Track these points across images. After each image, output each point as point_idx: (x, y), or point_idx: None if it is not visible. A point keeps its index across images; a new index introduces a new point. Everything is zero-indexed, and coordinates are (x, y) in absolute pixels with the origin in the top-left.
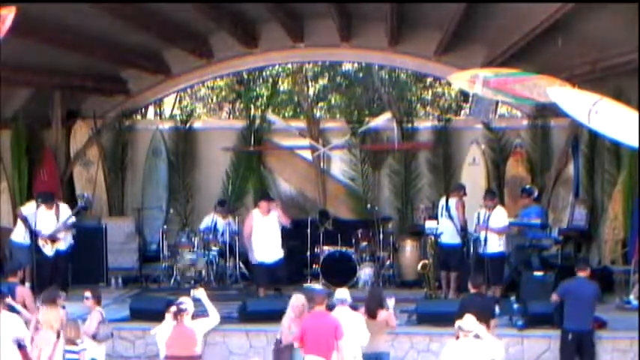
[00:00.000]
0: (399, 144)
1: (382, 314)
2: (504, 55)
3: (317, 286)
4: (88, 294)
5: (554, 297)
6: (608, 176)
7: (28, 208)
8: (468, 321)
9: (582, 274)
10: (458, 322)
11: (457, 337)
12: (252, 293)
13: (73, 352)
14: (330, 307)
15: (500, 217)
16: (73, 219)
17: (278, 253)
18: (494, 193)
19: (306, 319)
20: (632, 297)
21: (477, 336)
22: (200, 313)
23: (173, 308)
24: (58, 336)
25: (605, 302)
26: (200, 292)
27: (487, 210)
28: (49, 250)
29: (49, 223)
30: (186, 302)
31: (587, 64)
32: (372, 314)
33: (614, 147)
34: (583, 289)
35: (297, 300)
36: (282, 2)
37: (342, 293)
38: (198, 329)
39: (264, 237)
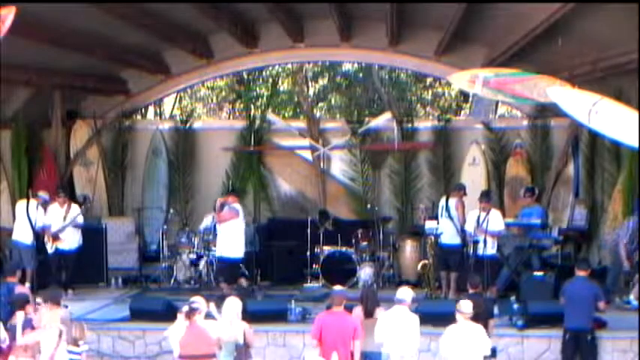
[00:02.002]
0: (399, 144)
1: (377, 313)
2: (504, 55)
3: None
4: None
5: (562, 300)
6: (608, 176)
7: (21, 206)
8: (465, 304)
9: (582, 273)
10: (456, 306)
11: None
12: (253, 293)
13: (75, 353)
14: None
15: (496, 220)
16: (81, 219)
17: (224, 251)
18: (490, 196)
19: (325, 319)
20: (632, 297)
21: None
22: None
23: (185, 308)
24: (60, 335)
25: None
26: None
27: (483, 212)
28: (50, 247)
29: (57, 220)
30: (198, 301)
31: (587, 64)
32: (369, 313)
33: (614, 147)
34: (582, 289)
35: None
36: (282, 2)
37: (404, 293)
38: (212, 329)
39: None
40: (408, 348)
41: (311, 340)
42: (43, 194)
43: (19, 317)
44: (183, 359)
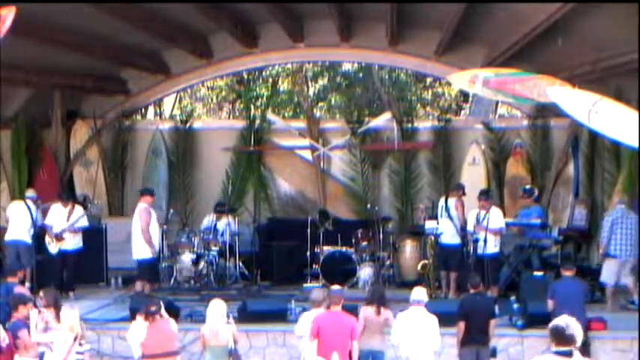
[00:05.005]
0: (399, 144)
1: (385, 313)
2: (504, 55)
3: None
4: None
5: (550, 302)
6: (608, 176)
7: (18, 206)
8: (419, 292)
9: (568, 273)
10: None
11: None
12: (253, 293)
13: (78, 353)
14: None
15: (496, 218)
16: (85, 222)
17: (141, 253)
18: (489, 194)
19: (322, 319)
20: (635, 297)
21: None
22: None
23: (143, 309)
24: (76, 338)
25: (605, 302)
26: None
27: (483, 210)
28: (53, 248)
29: (59, 221)
30: (155, 304)
31: (587, 64)
32: (376, 311)
33: (614, 147)
34: (569, 288)
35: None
36: (282, 2)
37: (419, 294)
38: (173, 326)
39: (155, 232)
40: (426, 349)
41: (309, 340)
42: (31, 193)
43: (32, 317)
44: (147, 359)
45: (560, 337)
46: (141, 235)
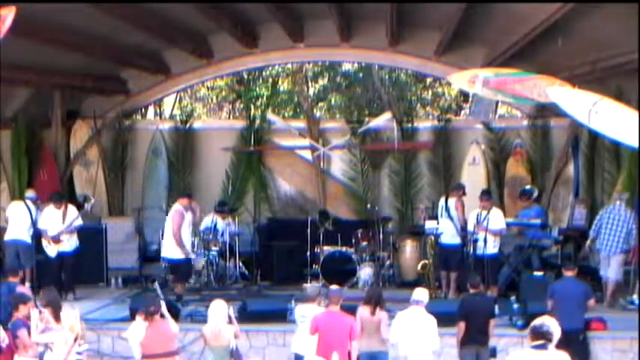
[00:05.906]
0: (399, 144)
1: (379, 313)
2: (504, 55)
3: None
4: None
5: (549, 302)
6: (608, 176)
7: (18, 206)
8: (419, 292)
9: (569, 273)
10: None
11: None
12: (253, 293)
13: (78, 353)
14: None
15: (497, 218)
16: (80, 221)
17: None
18: (490, 194)
19: (321, 319)
20: (635, 297)
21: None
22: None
23: (142, 309)
24: (76, 339)
25: (605, 302)
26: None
27: (484, 211)
28: (51, 250)
29: (55, 223)
30: (155, 303)
31: (587, 64)
32: (371, 311)
33: (614, 147)
34: (570, 289)
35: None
36: (282, 2)
37: (420, 294)
38: (172, 326)
39: (186, 234)
40: (425, 349)
41: (309, 339)
42: (31, 193)
43: (33, 317)
44: (147, 359)
45: (536, 333)
46: (172, 236)
